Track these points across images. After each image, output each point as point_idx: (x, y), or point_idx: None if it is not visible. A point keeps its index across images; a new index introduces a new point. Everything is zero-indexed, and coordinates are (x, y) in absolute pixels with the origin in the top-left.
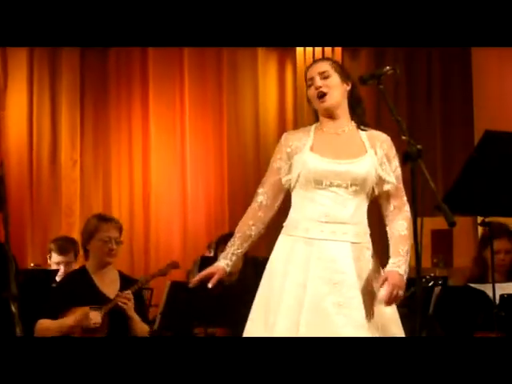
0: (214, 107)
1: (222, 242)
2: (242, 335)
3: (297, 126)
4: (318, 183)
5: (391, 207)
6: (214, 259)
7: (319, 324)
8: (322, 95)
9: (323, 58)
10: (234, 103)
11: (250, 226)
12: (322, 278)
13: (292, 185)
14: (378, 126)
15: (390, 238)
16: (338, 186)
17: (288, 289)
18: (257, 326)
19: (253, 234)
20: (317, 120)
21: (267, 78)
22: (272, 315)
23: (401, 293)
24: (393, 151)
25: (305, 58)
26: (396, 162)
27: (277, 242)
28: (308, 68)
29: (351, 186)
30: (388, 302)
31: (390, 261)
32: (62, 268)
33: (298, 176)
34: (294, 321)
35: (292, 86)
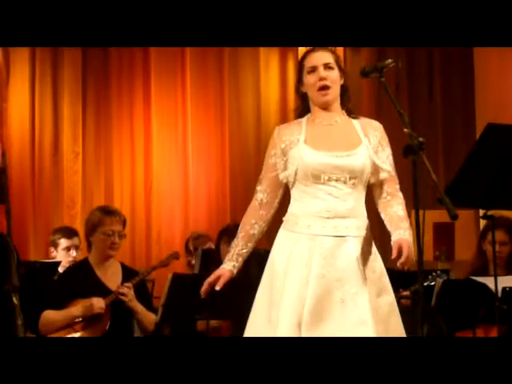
0: (215, 100)
1: (223, 234)
2: (245, 326)
3: None
4: (317, 178)
5: (385, 194)
6: (216, 251)
7: (321, 323)
8: (324, 87)
9: (324, 48)
10: (235, 97)
11: (252, 224)
12: (325, 275)
13: (290, 180)
14: (379, 120)
15: (388, 221)
16: (337, 180)
17: (290, 286)
18: (259, 319)
19: (256, 232)
20: (302, 105)
21: (269, 73)
22: (274, 311)
23: (412, 256)
24: (386, 138)
25: None
26: (389, 150)
27: (277, 236)
28: (309, 54)
29: (350, 179)
30: (404, 265)
31: (395, 232)
32: (73, 252)
33: (296, 171)
34: (296, 320)
35: (294, 80)
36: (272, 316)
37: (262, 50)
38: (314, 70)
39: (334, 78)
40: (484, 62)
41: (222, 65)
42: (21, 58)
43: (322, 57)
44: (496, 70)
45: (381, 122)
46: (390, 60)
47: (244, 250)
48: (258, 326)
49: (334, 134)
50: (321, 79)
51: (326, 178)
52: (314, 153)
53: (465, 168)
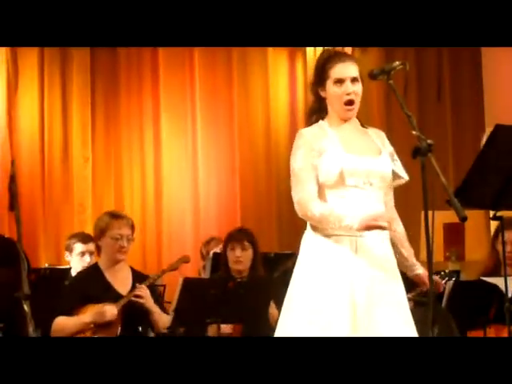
0: (225, 105)
1: (229, 240)
2: (255, 329)
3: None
4: (351, 181)
5: (391, 202)
6: (223, 257)
7: (374, 324)
8: (351, 102)
9: (351, 58)
10: (244, 101)
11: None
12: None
13: (324, 183)
14: (388, 122)
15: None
16: (370, 184)
17: (337, 289)
18: (297, 321)
19: None
20: (317, 104)
21: (278, 74)
22: (319, 315)
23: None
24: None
25: (315, 55)
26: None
27: (310, 241)
28: (336, 63)
29: (377, 183)
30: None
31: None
32: (87, 258)
33: (328, 175)
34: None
35: (303, 82)
36: (314, 318)
37: (271, 53)
38: (341, 83)
39: (359, 91)
40: (493, 62)
41: (231, 69)
42: (29, 66)
43: (350, 70)
44: (505, 70)
45: (390, 124)
46: (397, 62)
47: None
48: (294, 327)
49: (359, 138)
50: (348, 94)
51: (360, 180)
52: (347, 156)
53: (473, 169)
